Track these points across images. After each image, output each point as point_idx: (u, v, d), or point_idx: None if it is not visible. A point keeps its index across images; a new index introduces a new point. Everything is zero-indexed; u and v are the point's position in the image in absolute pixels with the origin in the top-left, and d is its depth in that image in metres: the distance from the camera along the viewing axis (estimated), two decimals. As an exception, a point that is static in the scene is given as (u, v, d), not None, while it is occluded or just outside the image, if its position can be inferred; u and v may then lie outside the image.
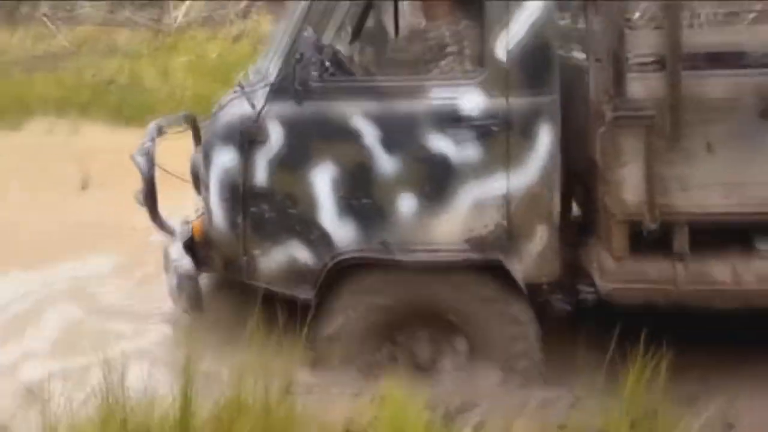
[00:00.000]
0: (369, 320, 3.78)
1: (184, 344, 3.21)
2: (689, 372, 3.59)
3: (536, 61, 3.58)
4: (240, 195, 3.79)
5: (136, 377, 3.32)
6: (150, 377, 3.56)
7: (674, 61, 3.37)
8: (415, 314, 3.81)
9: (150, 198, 4.08)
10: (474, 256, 3.69)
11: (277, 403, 3.10)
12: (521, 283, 3.69)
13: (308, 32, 3.68)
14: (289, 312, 3.67)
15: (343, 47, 4.07)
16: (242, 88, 3.92)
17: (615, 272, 3.60)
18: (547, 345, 3.88)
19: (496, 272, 3.71)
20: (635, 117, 3.41)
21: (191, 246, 4.11)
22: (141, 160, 4.03)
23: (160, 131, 4.23)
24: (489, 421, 3.41)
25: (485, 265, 3.71)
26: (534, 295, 3.83)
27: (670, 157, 3.44)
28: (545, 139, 3.59)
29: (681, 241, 3.55)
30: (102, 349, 3.56)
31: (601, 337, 3.45)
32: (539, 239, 3.65)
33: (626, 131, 3.44)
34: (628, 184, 3.48)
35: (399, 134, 3.66)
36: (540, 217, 3.64)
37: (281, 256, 3.80)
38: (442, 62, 3.81)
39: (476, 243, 3.67)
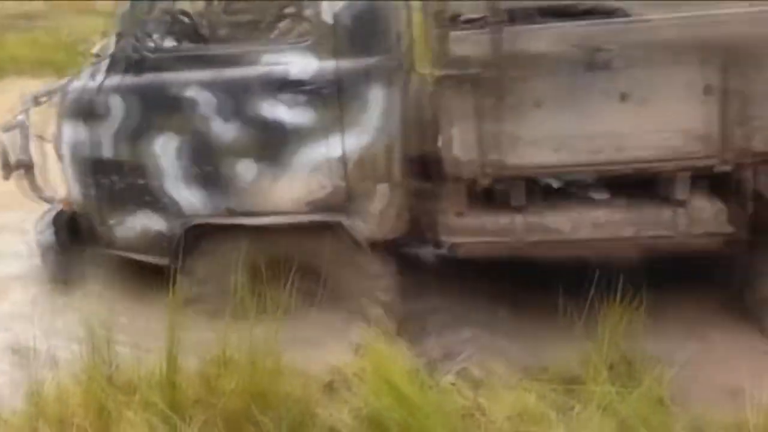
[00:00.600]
0: (229, 278, 3.74)
1: (168, 303, 3.21)
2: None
3: (365, 24, 3.57)
4: (90, 168, 3.86)
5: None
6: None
7: (495, 16, 3.36)
8: (274, 269, 3.80)
9: (26, 169, 4.09)
10: (315, 218, 3.73)
11: (263, 357, 3.13)
12: (363, 242, 3.73)
13: (128, 6, 3.71)
14: (273, 268, 3.74)
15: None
16: (98, 58, 3.93)
17: (456, 227, 3.72)
18: (525, 293, 3.96)
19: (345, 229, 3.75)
20: (460, 76, 3.40)
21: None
22: (5, 135, 4.04)
23: (36, 101, 4.21)
24: (472, 367, 3.47)
25: (328, 225, 3.74)
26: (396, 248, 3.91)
27: (499, 114, 3.45)
28: (379, 100, 3.59)
29: (517, 195, 3.66)
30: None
31: (580, 285, 3.51)
32: (380, 198, 3.68)
33: (453, 90, 3.44)
34: (458, 142, 3.50)
35: (234, 101, 3.66)
36: (379, 177, 3.67)
37: (135, 225, 3.89)
38: (281, 23, 3.85)
39: (317, 205, 3.71)
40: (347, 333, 3.71)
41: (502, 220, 3.68)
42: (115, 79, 3.74)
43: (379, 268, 3.83)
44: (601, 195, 3.73)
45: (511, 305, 4.01)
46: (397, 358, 3.14)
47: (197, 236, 3.86)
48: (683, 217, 3.59)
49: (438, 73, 3.47)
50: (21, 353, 3.52)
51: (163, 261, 3.87)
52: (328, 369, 3.39)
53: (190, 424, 2.88)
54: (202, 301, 3.81)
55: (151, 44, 3.72)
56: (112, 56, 3.75)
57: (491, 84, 3.41)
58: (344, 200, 3.69)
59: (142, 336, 3.51)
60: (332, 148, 3.63)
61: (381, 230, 3.74)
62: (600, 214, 3.64)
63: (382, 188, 3.67)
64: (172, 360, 3.01)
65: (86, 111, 3.80)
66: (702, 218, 3.59)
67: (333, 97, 3.58)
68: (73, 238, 4.15)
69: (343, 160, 3.63)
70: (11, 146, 4.06)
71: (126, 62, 3.71)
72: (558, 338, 3.54)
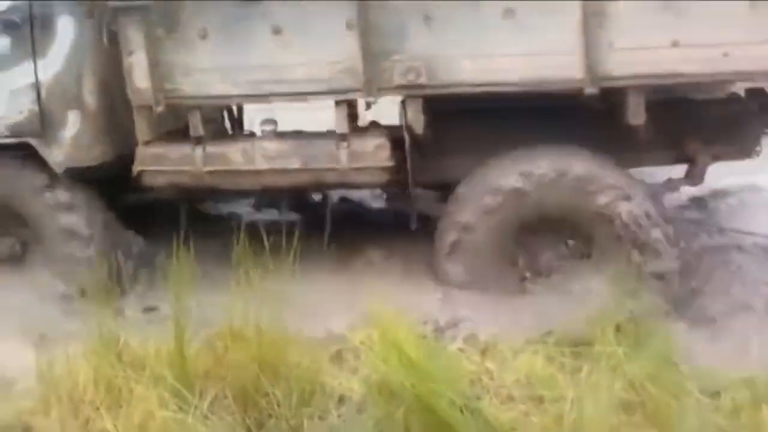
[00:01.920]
0: None
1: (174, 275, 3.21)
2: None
3: None
4: None
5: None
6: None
7: None
8: None
9: None
10: (10, 141, 3.97)
11: (269, 327, 3.13)
12: (56, 167, 3.95)
13: None
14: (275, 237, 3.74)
15: None
16: None
17: (143, 156, 3.92)
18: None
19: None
20: (133, 7, 3.69)
21: None
22: None
23: None
24: (479, 332, 3.48)
25: (21, 148, 3.97)
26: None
27: (171, 44, 3.72)
28: (68, 32, 3.90)
29: (194, 124, 3.87)
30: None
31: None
32: (72, 125, 3.93)
33: (127, 20, 3.71)
34: (136, 71, 3.75)
35: None
36: (71, 104, 3.93)
37: None
38: None
39: (13, 128, 3.97)
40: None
41: (184, 149, 3.89)
42: None
43: (72, 200, 4.02)
44: (269, 127, 3.94)
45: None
46: (405, 324, 3.14)
47: None
48: (344, 151, 3.76)
49: (113, 4, 3.71)
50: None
51: None
52: (336, 337, 3.41)
53: (200, 397, 2.89)
54: None
55: None
56: None
57: (161, 15, 3.69)
58: (37, 125, 3.93)
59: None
60: (26, 75, 3.91)
61: (73, 156, 3.95)
62: (270, 146, 3.86)
63: (74, 115, 3.91)
64: (180, 333, 3.01)
65: None
66: (362, 152, 3.77)
67: (26, 28, 3.89)
68: None
69: (36, 87, 3.91)
70: None
71: None
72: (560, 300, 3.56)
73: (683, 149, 3.98)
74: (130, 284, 4.05)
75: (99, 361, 3.01)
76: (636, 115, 3.55)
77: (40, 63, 3.91)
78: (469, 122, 3.84)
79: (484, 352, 3.29)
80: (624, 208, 3.59)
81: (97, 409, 2.83)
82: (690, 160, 4.04)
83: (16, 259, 4.23)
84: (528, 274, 3.84)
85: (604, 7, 3.46)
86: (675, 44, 3.43)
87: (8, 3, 3.91)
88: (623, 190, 3.63)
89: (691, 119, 3.95)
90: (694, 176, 4.05)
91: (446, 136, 3.89)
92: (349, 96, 3.74)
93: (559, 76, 3.53)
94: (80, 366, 3.02)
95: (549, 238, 3.81)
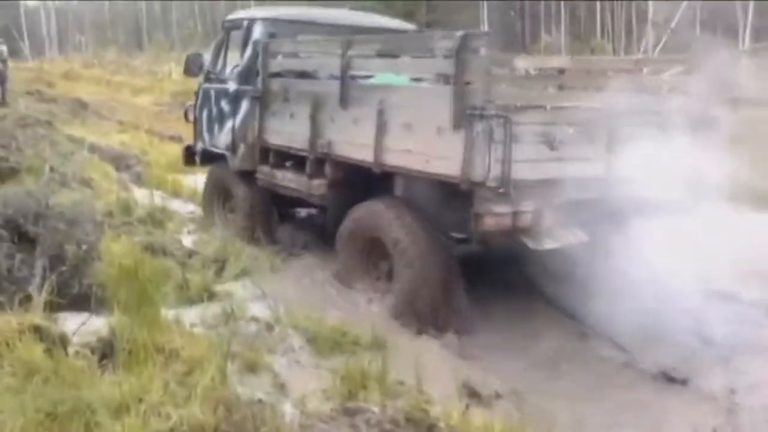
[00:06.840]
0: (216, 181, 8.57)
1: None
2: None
3: (248, 69, 7.64)
4: (193, 119, 8.77)
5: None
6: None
7: (264, 70, 7.25)
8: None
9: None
10: (224, 152, 7.96)
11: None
12: (233, 168, 7.83)
13: (195, 51, 9.32)
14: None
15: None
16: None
17: (258, 170, 7.46)
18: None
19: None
20: (257, 95, 7.35)
21: None
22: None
23: None
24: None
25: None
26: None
27: (266, 114, 7.28)
28: (247, 104, 7.56)
29: (272, 158, 7.31)
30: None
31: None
32: (241, 149, 7.69)
33: (253, 101, 7.39)
34: (255, 126, 7.39)
35: (217, 96, 8.14)
36: (242, 140, 7.67)
37: (198, 147, 8.63)
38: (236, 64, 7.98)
39: (226, 146, 7.94)
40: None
41: (267, 168, 7.39)
42: (204, 83, 8.52)
43: (244, 190, 7.84)
44: (289, 163, 7.14)
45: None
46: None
47: (209, 157, 8.46)
48: (306, 182, 6.74)
49: (252, 92, 7.47)
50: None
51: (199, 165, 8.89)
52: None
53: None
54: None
55: (208, 74, 8.47)
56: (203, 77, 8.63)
57: (265, 99, 7.29)
58: (231, 147, 7.83)
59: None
60: (231, 122, 7.85)
61: (239, 165, 7.76)
62: (287, 173, 7.11)
63: (242, 145, 7.70)
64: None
65: (195, 94, 8.73)
66: (313, 184, 6.67)
67: (234, 100, 7.81)
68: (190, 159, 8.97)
69: (233, 129, 7.81)
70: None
71: (204, 78, 8.52)
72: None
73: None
74: (271, 240, 7.68)
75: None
76: (398, 190, 5.77)
77: (236, 118, 7.83)
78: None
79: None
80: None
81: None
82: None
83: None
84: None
85: (387, 121, 5.63)
86: (408, 151, 5.42)
87: (233, 88, 7.89)
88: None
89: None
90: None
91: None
92: (306, 154, 6.70)
93: (368, 159, 5.85)
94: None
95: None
